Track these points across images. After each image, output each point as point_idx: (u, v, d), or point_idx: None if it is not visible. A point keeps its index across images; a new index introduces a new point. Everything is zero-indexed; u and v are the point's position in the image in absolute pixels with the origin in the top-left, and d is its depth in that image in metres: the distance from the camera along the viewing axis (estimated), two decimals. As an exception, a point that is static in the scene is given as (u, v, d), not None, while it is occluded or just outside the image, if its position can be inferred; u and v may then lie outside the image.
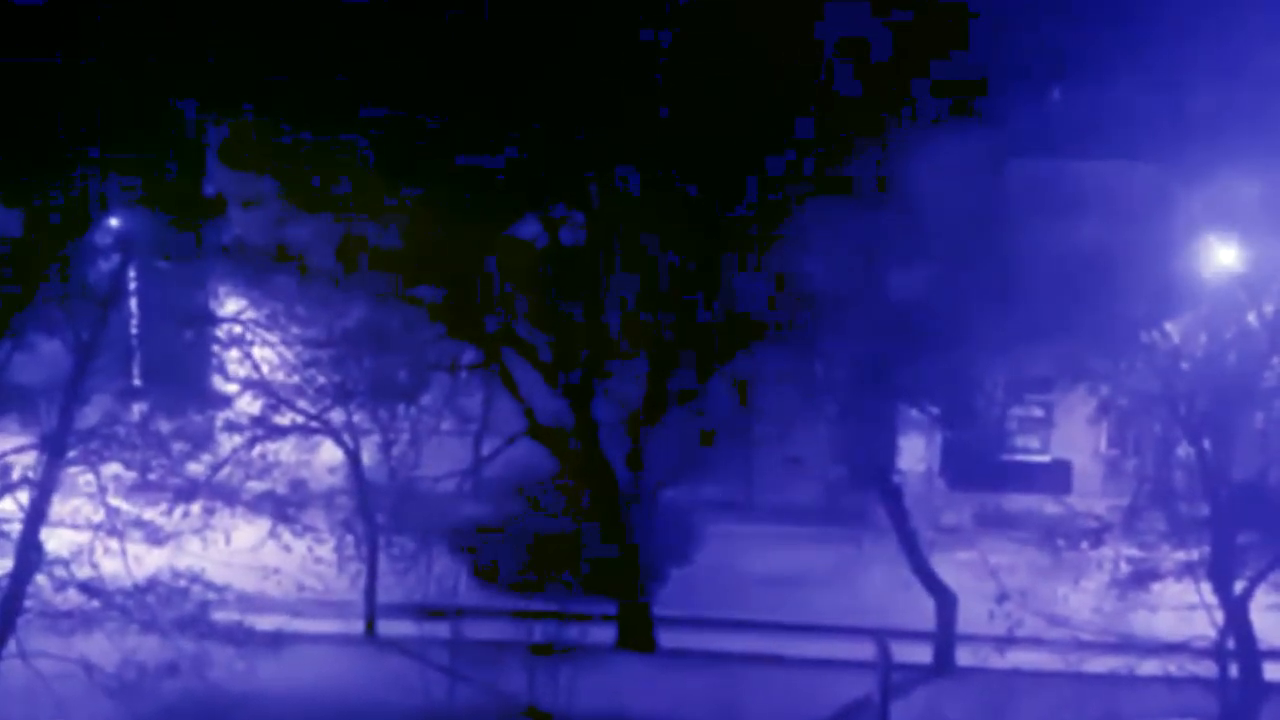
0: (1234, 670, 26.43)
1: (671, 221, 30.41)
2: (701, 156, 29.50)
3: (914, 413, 33.23)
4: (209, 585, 27.78)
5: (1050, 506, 30.22)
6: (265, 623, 28.76)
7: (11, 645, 26.26)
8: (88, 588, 26.92)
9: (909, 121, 29.56)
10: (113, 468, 27.80)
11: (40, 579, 26.74)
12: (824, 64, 29.11)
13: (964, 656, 30.23)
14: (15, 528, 26.76)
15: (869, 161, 29.61)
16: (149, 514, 28.34)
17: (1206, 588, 26.36)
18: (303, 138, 29.74)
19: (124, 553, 27.35)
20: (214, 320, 32.60)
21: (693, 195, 30.14)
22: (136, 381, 32.34)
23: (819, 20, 28.76)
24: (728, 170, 29.90)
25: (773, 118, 29.30)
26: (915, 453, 36.70)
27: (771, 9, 28.37)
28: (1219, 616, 26.34)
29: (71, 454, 27.07)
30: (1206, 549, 26.42)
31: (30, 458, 27.12)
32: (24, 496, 26.91)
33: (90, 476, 27.40)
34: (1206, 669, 26.30)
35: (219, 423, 31.73)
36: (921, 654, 30.46)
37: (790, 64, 28.81)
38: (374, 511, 32.14)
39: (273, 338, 32.15)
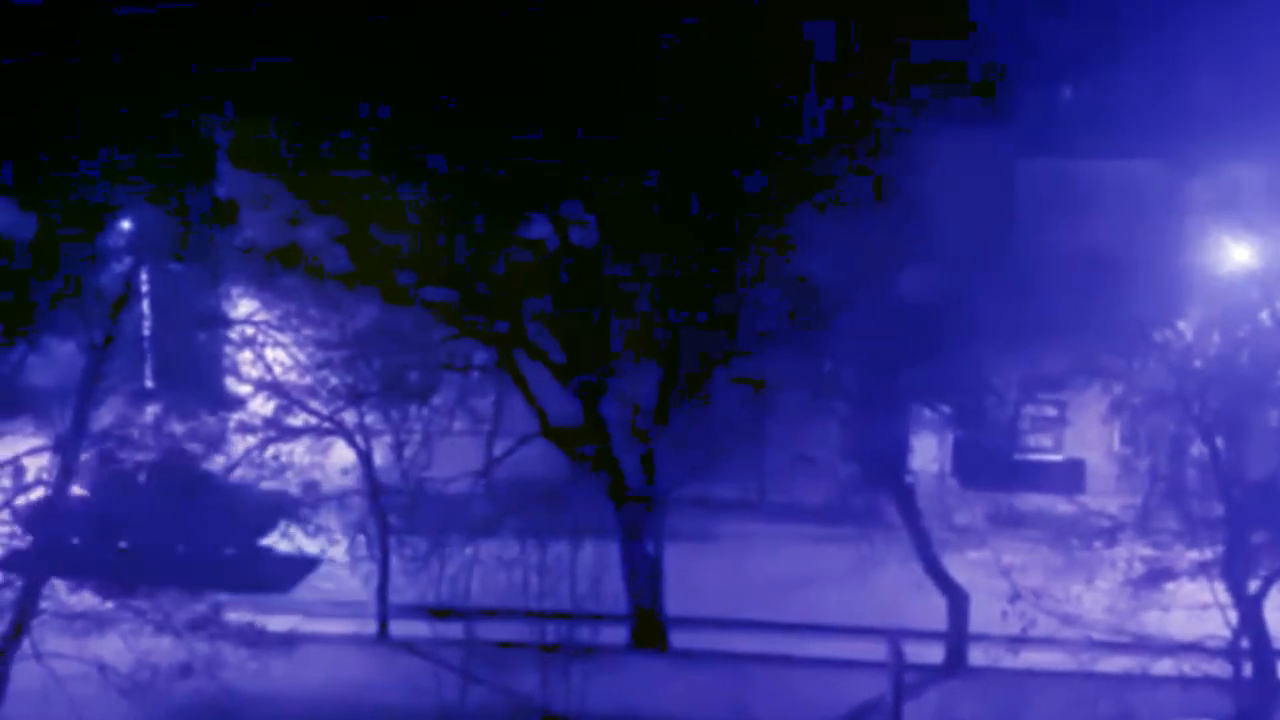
0: (1248, 670, 26.38)
1: (681, 223, 30.36)
2: (712, 157, 29.45)
3: (926, 412, 33.21)
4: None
5: (1063, 506, 30.16)
6: (278, 624, 28.81)
7: (26, 646, 26.32)
8: (101, 588, 26.99)
9: (922, 121, 29.49)
10: (126, 469, 27.95)
11: (55, 580, 26.81)
12: (832, 64, 29.05)
13: (976, 656, 30.14)
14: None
15: (881, 161, 29.56)
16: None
17: (1220, 587, 26.32)
18: (314, 140, 29.74)
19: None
20: (226, 322, 32.66)
21: (703, 196, 30.10)
22: (149, 383, 32.45)
23: (829, 19, 28.72)
24: (739, 171, 29.87)
25: (782, 118, 29.26)
26: (928, 452, 36.73)
27: (780, 10, 28.37)
28: (1233, 616, 26.28)
29: (85, 456, 27.13)
30: (1220, 548, 26.35)
31: (44, 459, 27.20)
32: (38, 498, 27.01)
33: (104, 478, 27.56)
34: (1220, 669, 26.26)
35: (232, 424, 31.78)
36: (934, 654, 30.43)
37: (798, 64, 28.77)
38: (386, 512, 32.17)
39: (285, 339, 32.20)
